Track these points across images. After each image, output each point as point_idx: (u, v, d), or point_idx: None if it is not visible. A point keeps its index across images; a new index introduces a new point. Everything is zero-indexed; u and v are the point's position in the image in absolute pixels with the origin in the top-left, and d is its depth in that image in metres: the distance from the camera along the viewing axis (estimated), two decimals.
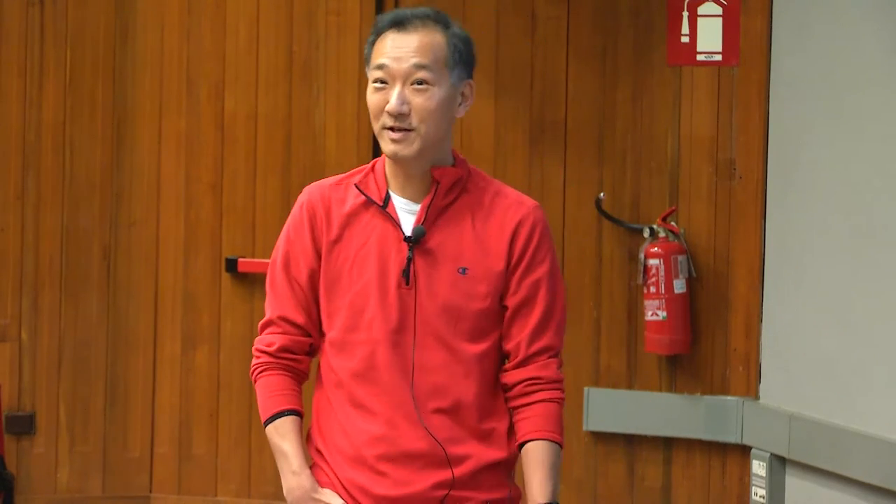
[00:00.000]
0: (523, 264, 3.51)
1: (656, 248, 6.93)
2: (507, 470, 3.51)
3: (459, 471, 3.43)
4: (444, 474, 3.43)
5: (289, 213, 7.10)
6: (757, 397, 6.94)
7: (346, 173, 3.58)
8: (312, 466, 3.52)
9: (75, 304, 7.37)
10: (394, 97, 3.47)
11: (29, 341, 7.37)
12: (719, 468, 7.06)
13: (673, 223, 7.02)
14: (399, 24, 3.50)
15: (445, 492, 3.43)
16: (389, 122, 3.47)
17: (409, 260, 3.46)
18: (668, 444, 7.12)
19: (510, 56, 7.19)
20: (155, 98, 7.40)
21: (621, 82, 7.14)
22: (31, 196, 7.36)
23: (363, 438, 3.45)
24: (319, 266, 3.51)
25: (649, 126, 7.10)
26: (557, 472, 3.46)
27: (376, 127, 3.50)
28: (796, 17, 6.77)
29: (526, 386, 3.49)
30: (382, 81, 3.49)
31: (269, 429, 3.51)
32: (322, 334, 3.51)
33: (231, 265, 7.36)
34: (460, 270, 3.47)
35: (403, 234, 3.47)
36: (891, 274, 6.20)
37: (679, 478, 7.14)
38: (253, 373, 3.57)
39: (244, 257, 7.37)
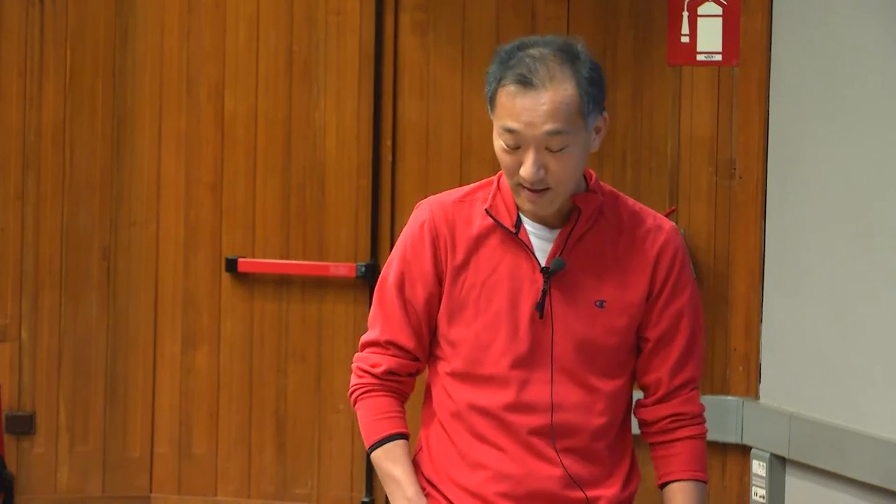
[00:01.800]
0: (665, 294, 3.33)
1: None
2: None
3: None
4: None
5: (288, 213, 7.14)
6: (757, 397, 6.92)
7: (468, 188, 3.37)
8: (426, 495, 3.36)
9: (75, 304, 7.36)
10: (528, 164, 3.22)
11: (29, 341, 7.36)
12: (719, 468, 7.04)
13: (673, 223, 6.99)
14: (525, 82, 3.22)
15: None
16: (526, 184, 3.23)
17: (545, 292, 3.26)
18: None
19: None
20: (155, 98, 7.38)
21: (621, 82, 7.11)
22: (31, 196, 7.35)
23: (487, 474, 3.28)
24: (439, 291, 3.31)
25: (649, 126, 7.09)
26: None
27: (510, 182, 3.27)
28: (796, 16, 6.76)
29: (670, 422, 3.37)
30: (515, 147, 3.24)
31: (378, 453, 3.35)
32: (433, 357, 3.35)
33: (231, 265, 7.34)
34: (598, 304, 3.29)
35: (539, 264, 3.28)
36: (891, 274, 6.17)
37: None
38: (354, 392, 3.39)
39: (244, 257, 7.35)
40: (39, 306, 7.34)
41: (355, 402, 3.41)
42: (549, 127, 3.21)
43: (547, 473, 3.25)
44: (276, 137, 7.32)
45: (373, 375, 3.37)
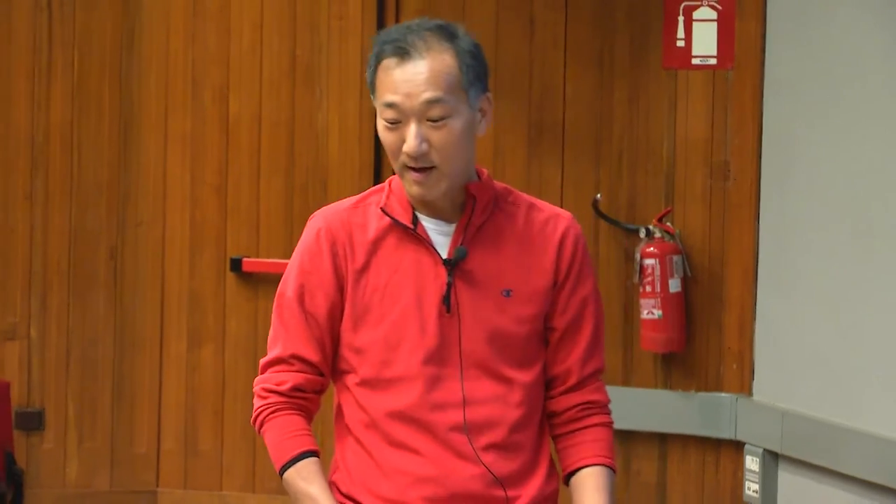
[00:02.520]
0: (570, 281, 3.25)
1: (652, 249, 6.92)
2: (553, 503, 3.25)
3: None
4: None
5: (291, 213, 7.17)
6: (750, 394, 6.91)
7: (360, 195, 3.29)
8: None
9: (83, 303, 7.38)
10: (410, 137, 3.13)
11: (38, 339, 7.37)
12: (713, 463, 7.04)
13: (668, 224, 7.00)
14: (402, 52, 3.14)
15: None
16: (410, 162, 3.14)
17: (450, 285, 3.16)
18: (664, 439, 7.11)
19: (509, 59, 7.17)
20: (161, 101, 7.39)
21: (618, 85, 7.12)
22: (39, 196, 7.36)
23: (406, 480, 3.17)
24: (341, 300, 3.19)
25: (645, 128, 7.09)
26: (614, 498, 3.22)
27: (396, 166, 3.18)
28: (790, 21, 6.76)
29: (579, 411, 3.25)
30: (395, 121, 3.16)
31: (290, 472, 3.25)
32: (337, 372, 3.24)
33: (235, 265, 7.36)
34: (504, 293, 3.18)
35: (440, 257, 3.17)
36: (884, 273, 6.17)
37: (674, 473, 7.12)
38: (260, 415, 3.26)
39: (248, 257, 7.37)
40: (48, 305, 7.35)
41: (262, 425, 3.27)
42: (428, 95, 3.13)
43: (468, 473, 3.15)
44: (279, 139, 7.34)
45: (279, 394, 3.24)
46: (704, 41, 6.99)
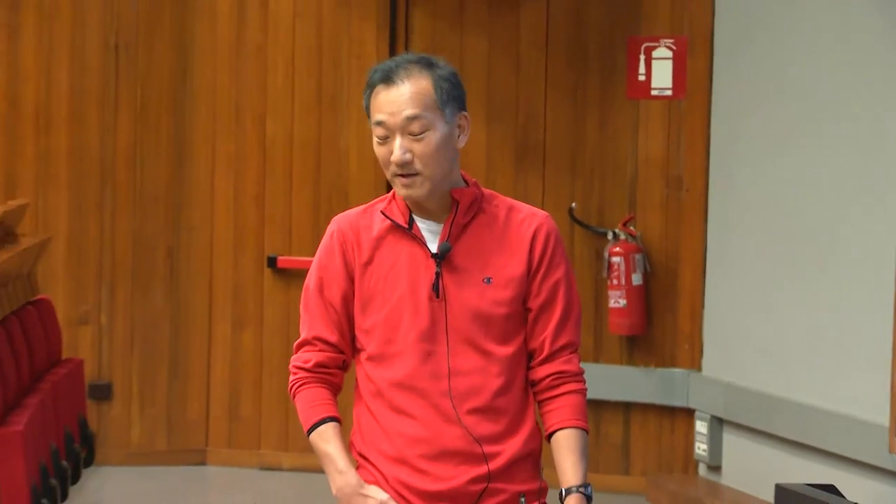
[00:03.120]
0: (542, 269, 3.18)
1: (618, 248, 6.96)
2: (536, 463, 3.20)
3: (494, 464, 3.12)
4: (481, 469, 3.12)
5: (318, 219, 7.35)
6: (700, 369, 6.99)
7: (370, 203, 3.29)
8: (357, 467, 3.20)
9: (144, 294, 7.42)
10: (396, 149, 3.13)
11: (107, 324, 7.39)
12: (669, 427, 7.11)
13: (631, 228, 7.06)
14: (387, 80, 3.15)
15: (483, 486, 3.12)
16: (397, 170, 3.15)
17: (438, 275, 3.14)
18: (628, 407, 7.16)
19: (499, 90, 7.23)
20: (209, 125, 7.42)
21: (589, 112, 7.17)
22: (107, 206, 7.39)
23: (404, 440, 3.13)
24: (352, 288, 3.17)
25: (612, 148, 7.15)
26: (587, 457, 3.17)
27: (388, 174, 3.18)
28: (732, 59, 6.84)
29: (553, 380, 3.18)
30: (384, 137, 3.16)
31: (313, 436, 3.22)
32: (355, 350, 3.21)
33: (271, 262, 7.40)
34: (485, 280, 3.16)
35: (430, 251, 3.16)
36: (809, 267, 6.25)
37: (636, 435, 7.17)
38: (291, 388, 3.26)
39: (282, 255, 7.40)
40: (115, 296, 7.40)
41: (294, 396, 3.26)
42: (408, 112, 3.13)
43: (454, 434, 3.12)
44: (308, 157, 7.38)
45: (305, 370, 3.21)
46: (661, 76, 7.04)
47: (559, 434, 3.17)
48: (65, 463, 6.06)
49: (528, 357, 3.21)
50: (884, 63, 5.71)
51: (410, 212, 3.20)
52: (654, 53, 7.06)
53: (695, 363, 7.01)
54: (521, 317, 3.19)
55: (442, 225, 3.18)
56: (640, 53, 7.09)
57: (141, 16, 7.37)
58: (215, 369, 7.45)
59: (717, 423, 6.83)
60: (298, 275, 7.39)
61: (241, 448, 7.44)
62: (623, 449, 7.18)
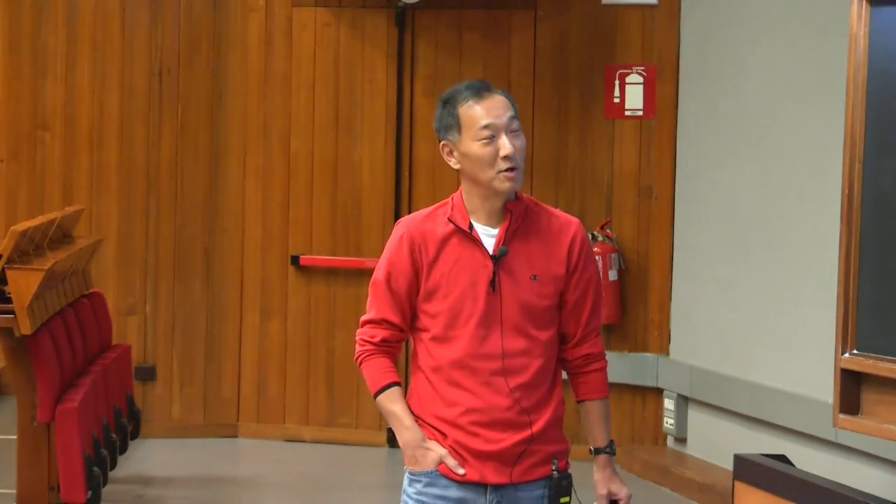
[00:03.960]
0: (579, 269, 3.24)
1: (596, 248, 6.94)
2: (560, 426, 3.27)
3: (535, 429, 3.19)
4: (524, 434, 3.19)
5: (335, 223, 7.33)
6: (668, 354, 7.00)
7: (432, 207, 3.31)
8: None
9: (184, 288, 7.41)
10: (507, 143, 3.15)
11: (151, 314, 7.40)
12: (641, 404, 7.10)
13: (608, 230, 7.07)
14: (480, 93, 3.20)
15: (524, 448, 3.19)
16: (506, 164, 3.16)
17: (495, 273, 3.20)
18: None
19: None
20: (241, 142, 7.42)
21: (571, 130, 7.18)
22: (152, 211, 7.40)
23: (460, 409, 3.19)
24: (416, 282, 3.24)
25: (591, 161, 7.15)
26: (609, 422, 3.29)
27: (489, 173, 3.16)
28: (696, 84, 6.88)
29: (584, 360, 3.27)
30: (491, 136, 3.16)
31: (381, 398, 3.24)
32: (416, 330, 3.27)
33: (295, 260, 7.38)
34: (532, 277, 3.21)
35: (488, 252, 3.21)
36: (762, 263, 6.26)
37: (613, 411, 6.72)
38: (358, 357, 3.30)
39: (304, 255, 7.38)
40: (159, 290, 7.40)
41: (361, 364, 3.31)
42: (510, 114, 3.19)
43: (504, 405, 3.19)
44: (326, 170, 7.36)
45: (372, 344, 3.27)
46: (634, 98, 7.04)
47: (589, 403, 3.29)
48: (114, 435, 6.04)
49: (560, 339, 3.29)
50: (823, 87, 5.73)
51: (470, 218, 3.25)
52: (628, 79, 7.08)
53: (663, 348, 7.02)
54: (556, 307, 3.26)
55: (495, 230, 3.24)
56: (615, 79, 7.10)
57: (182, 46, 7.37)
58: (245, 353, 7.44)
59: (683, 400, 6.84)
60: (318, 272, 7.39)
61: (268, 422, 7.44)
62: None
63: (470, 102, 3.19)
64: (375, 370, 3.27)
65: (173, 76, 7.37)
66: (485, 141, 3.17)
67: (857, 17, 4.21)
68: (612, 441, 3.29)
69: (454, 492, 3.21)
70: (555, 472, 3.21)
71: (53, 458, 5.42)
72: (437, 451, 3.20)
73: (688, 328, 6.87)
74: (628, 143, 7.09)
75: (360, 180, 7.36)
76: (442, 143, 3.26)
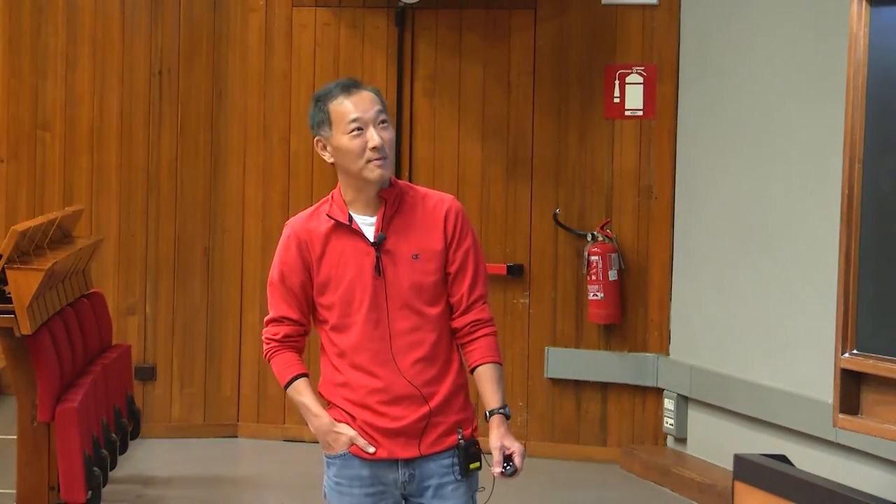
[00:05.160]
0: (455, 241, 3.40)
1: (596, 248, 6.96)
2: (464, 395, 3.43)
3: (434, 402, 3.36)
4: (424, 409, 3.35)
5: None
6: (668, 354, 7.00)
7: (315, 205, 3.46)
8: (327, 409, 3.41)
9: (184, 288, 7.42)
10: (374, 135, 3.32)
11: (151, 314, 7.40)
12: (641, 404, 7.11)
13: (608, 230, 7.06)
14: (349, 89, 3.36)
15: (426, 422, 3.35)
16: (374, 155, 3.32)
17: (378, 259, 3.36)
18: (605, 387, 7.15)
19: (492, 111, 7.23)
20: (241, 141, 7.42)
21: (571, 130, 7.17)
22: (153, 211, 7.40)
23: (365, 391, 3.34)
24: (309, 277, 3.39)
25: (591, 161, 7.14)
26: (502, 385, 3.41)
27: (359, 164, 3.32)
28: (696, 84, 6.88)
29: (472, 327, 3.41)
30: (359, 129, 3.31)
31: (290, 390, 3.42)
32: (318, 322, 3.43)
33: None
34: (414, 256, 3.38)
35: (368, 241, 3.37)
36: (762, 263, 6.27)
37: (613, 411, 7.16)
38: (266, 355, 3.48)
39: None
40: (159, 289, 7.40)
41: (269, 360, 3.47)
42: (377, 108, 3.33)
43: (402, 383, 3.33)
44: (327, 170, 7.24)
45: (275, 341, 3.43)
46: (634, 98, 7.04)
47: (480, 369, 3.41)
48: (114, 435, 6.03)
49: (450, 310, 3.42)
50: (823, 87, 5.72)
51: (349, 211, 3.39)
52: (628, 79, 7.08)
53: (663, 348, 7.02)
54: (443, 282, 3.42)
55: (372, 217, 3.39)
56: (615, 79, 7.10)
57: (182, 46, 7.38)
58: (245, 353, 7.45)
59: (683, 400, 6.84)
60: None
61: (268, 422, 7.46)
62: (601, 423, 7.17)
63: (339, 99, 3.35)
64: (281, 365, 3.43)
65: (173, 76, 7.37)
66: (354, 133, 3.32)
67: (857, 17, 4.21)
68: (505, 405, 3.40)
69: (367, 470, 3.36)
70: (461, 441, 3.36)
71: (53, 458, 5.42)
72: (346, 433, 3.35)
73: (688, 328, 6.87)
74: (628, 143, 7.08)
75: None
76: (316, 138, 3.43)
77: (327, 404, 3.40)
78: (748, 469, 4.47)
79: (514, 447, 3.34)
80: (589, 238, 7.04)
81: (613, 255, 6.98)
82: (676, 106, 6.96)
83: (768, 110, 6.26)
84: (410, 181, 7.08)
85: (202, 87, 7.39)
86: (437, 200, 3.43)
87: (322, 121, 3.38)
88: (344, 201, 3.39)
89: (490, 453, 3.35)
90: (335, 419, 3.36)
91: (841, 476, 4.86)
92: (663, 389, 6.94)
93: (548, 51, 7.17)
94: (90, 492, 5.41)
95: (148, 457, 6.94)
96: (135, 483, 6.50)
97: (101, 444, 5.75)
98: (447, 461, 3.36)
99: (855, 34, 4.21)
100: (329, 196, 3.43)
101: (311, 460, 6.95)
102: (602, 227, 7.06)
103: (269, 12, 7.34)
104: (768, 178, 6.25)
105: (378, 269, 3.34)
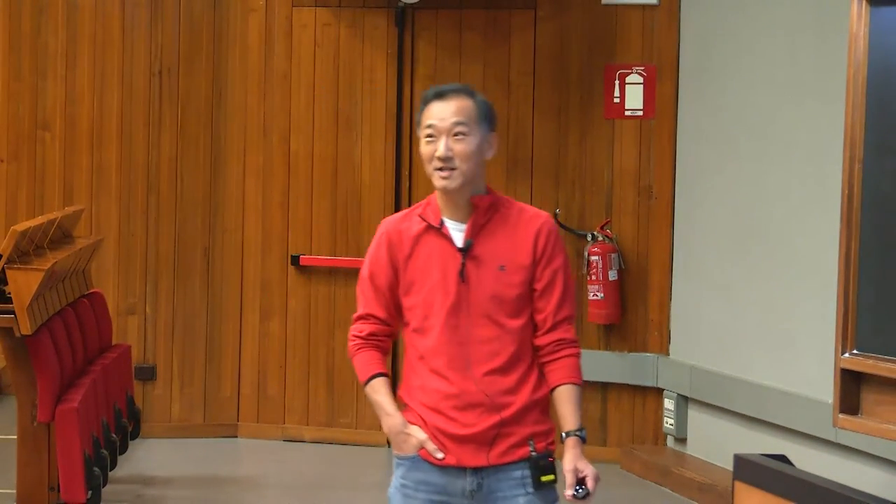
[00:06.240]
0: (544, 259, 3.38)
1: (596, 248, 6.98)
2: (541, 409, 3.41)
3: (507, 413, 3.34)
4: (496, 418, 3.34)
5: (335, 223, 7.36)
6: (667, 354, 7.01)
7: (410, 208, 3.51)
8: (403, 411, 3.43)
9: (184, 288, 7.42)
10: (442, 145, 3.35)
11: (151, 314, 7.41)
12: (641, 404, 7.13)
13: (608, 230, 7.08)
14: (439, 96, 3.40)
15: (497, 431, 3.33)
16: (439, 164, 3.36)
17: (463, 265, 3.36)
18: (605, 387, 7.17)
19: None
20: (240, 141, 7.42)
21: (571, 130, 7.18)
22: (153, 211, 7.41)
23: (439, 395, 3.36)
24: (396, 277, 3.42)
25: (591, 161, 7.16)
26: (581, 406, 3.41)
27: (429, 169, 3.38)
28: (695, 84, 6.89)
29: (555, 346, 3.39)
30: (431, 136, 3.36)
31: (367, 388, 3.43)
32: (403, 323, 3.46)
33: (295, 260, 7.40)
34: (500, 268, 3.37)
35: (457, 246, 3.38)
36: (762, 264, 6.28)
37: (613, 411, 7.17)
38: (350, 351, 3.50)
39: (304, 255, 7.39)
40: (159, 289, 7.41)
41: (352, 358, 3.50)
42: (454, 119, 3.34)
43: (475, 390, 3.33)
44: (326, 170, 7.37)
45: (360, 338, 3.45)
46: (634, 98, 7.06)
47: (559, 389, 3.39)
48: (114, 435, 6.03)
49: (534, 328, 3.41)
50: (823, 87, 5.74)
51: (441, 215, 3.42)
52: (628, 79, 7.09)
53: (663, 348, 7.03)
54: (528, 296, 3.40)
55: (463, 224, 3.40)
56: (615, 79, 7.11)
57: (182, 46, 7.38)
58: (245, 353, 7.46)
59: (683, 400, 6.85)
60: (318, 271, 7.42)
61: (268, 422, 7.46)
62: (601, 423, 7.18)
63: (430, 103, 3.40)
64: (362, 363, 3.45)
65: (173, 76, 7.37)
66: (427, 140, 3.38)
67: (857, 17, 4.21)
68: (582, 427, 3.38)
69: (435, 476, 3.36)
70: (533, 453, 3.34)
71: (53, 458, 5.42)
72: (417, 436, 3.37)
73: (688, 328, 6.88)
74: (628, 143, 7.09)
75: (360, 180, 7.37)
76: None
77: (404, 406, 3.42)
78: (748, 469, 4.47)
79: (588, 470, 3.33)
80: (589, 238, 7.05)
81: (613, 255, 6.99)
82: (676, 106, 6.96)
83: (768, 110, 6.26)
84: (410, 182, 7.29)
85: (202, 87, 7.39)
86: (532, 215, 3.43)
87: (418, 121, 3.43)
88: (438, 205, 3.41)
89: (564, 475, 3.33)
90: (408, 421, 3.39)
91: (841, 476, 4.85)
92: (663, 389, 6.95)
93: (548, 51, 7.18)
94: (90, 492, 5.41)
95: (148, 457, 6.94)
96: (135, 483, 6.50)
97: (101, 444, 5.75)
98: (517, 473, 3.35)
99: (855, 34, 4.21)
100: (427, 198, 3.46)
101: (311, 460, 7.07)
102: (602, 227, 7.06)
103: (269, 12, 7.36)
104: (768, 178, 6.25)
105: (462, 275, 3.35)
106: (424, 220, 3.40)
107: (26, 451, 5.46)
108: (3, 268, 5.34)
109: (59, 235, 6.29)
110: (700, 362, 6.70)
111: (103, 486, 5.60)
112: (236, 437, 7.42)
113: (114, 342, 6.76)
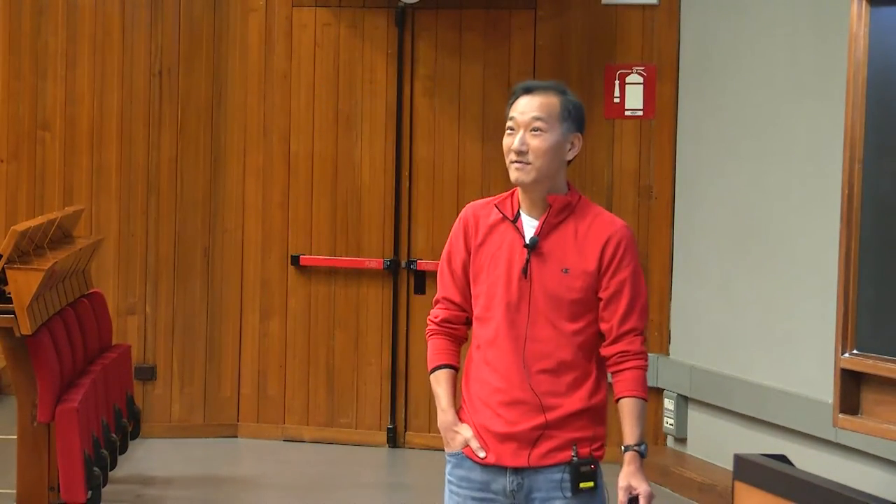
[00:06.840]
0: (611, 268, 3.33)
1: None
2: (590, 416, 3.35)
3: (552, 415, 3.30)
4: (541, 419, 3.31)
5: (335, 222, 7.39)
6: (668, 354, 7.01)
7: (496, 196, 3.48)
8: (459, 409, 3.42)
9: (184, 288, 7.43)
10: (517, 138, 3.33)
11: (151, 314, 7.41)
12: None
13: None
14: (527, 90, 3.39)
15: (540, 432, 3.31)
16: (514, 157, 3.34)
17: (527, 261, 3.35)
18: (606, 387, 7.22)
19: (492, 111, 7.21)
20: (241, 141, 7.43)
21: None
22: (153, 211, 7.41)
23: (489, 388, 3.35)
24: (469, 261, 3.43)
25: (592, 161, 7.15)
26: (643, 420, 3.34)
27: (507, 161, 3.36)
28: (695, 84, 6.90)
29: (619, 357, 3.34)
30: (511, 129, 3.36)
31: (431, 378, 3.45)
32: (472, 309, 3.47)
33: (295, 260, 7.40)
34: (563, 270, 3.34)
35: (524, 241, 3.36)
36: (762, 264, 6.29)
37: (612, 411, 7.09)
38: (426, 335, 3.52)
39: (304, 255, 7.39)
40: (159, 289, 7.41)
41: (427, 342, 3.50)
42: (533, 114, 3.32)
43: (522, 386, 3.32)
44: (326, 170, 7.37)
45: (435, 324, 3.46)
46: (634, 98, 7.07)
47: (622, 401, 3.35)
48: (114, 435, 6.04)
49: (599, 336, 3.37)
50: (823, 87, 5.75)
51: (519, 209, 3.40)
52: (628, 79, 7.10)
53: (663, 348, 7.02)
54: (590, 303, 3.35)
55: (537, 220, 3.39)
56: (615, 79, 7.12)
57: (182, 46, 7.38)
58: (245, 353, 7.46)
59: (683, 400, 6.86)
60: (318, 271, 7.42)
61: (268, 422, 7.46)
62: None
63: (518, 98, 3.40)
64: (432, 351, 3.48)
65: (173, 76, 7.37)
66: (508, 132, 3.38)
67: (857, 17, 4.22)
68: (642, 442, 3.33)
69: (478, 474, 3.37)
70: (574, 458, 3.31)
71: (53, 458, 5.42)
72: (464, 434, 3.38)
73: (688, 328, 6.88)
74: (628, 143, 7.09)
75: (360, 180, 7.37)
76: None
77: (460, 405, 3.42)
78: (748, 469, 4.47)
79: (641, 489, 3.29)
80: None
81: None
82: (676, 106, 6.97)
83: (768, 110, 6.26)
84: (410, 181, 7.29)
85: (202, 87, 7.40)
86: (606, 222, 3.39)
87: (507, 115, 3.42)
88: (519, 199, 3.40)
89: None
90: (461, 419, 3.39)
91: (841, 476, 4.85)
92: (663, 389, 6.94)
93: (548, 51, 7.18)
94: (90, 492, 5.41)
95: (148, 457, 6.94)
96: (135, 483, 6.50)
97: (101, 444, 5.75)
98: (557, 476, 3.32)
99: (855, 34, 4.22)
100: (512, 190, 3.44)
101: (311, 460, 7.07)
102: None
103: (269, 12, 7.36)
104: (768, 178, 6.26)
105: (525, 271, 3.33)
106: (500, 211, 3.40)
107: (26, 451, 5.46)
108: (3, 268, 5.34)
109: (59, 235, 6.29)
110: (700, 362, 6.70)
111: (103, 486, 5.60)
112: (236, 437, 7.41)
113: (114, 342, 6.76)
